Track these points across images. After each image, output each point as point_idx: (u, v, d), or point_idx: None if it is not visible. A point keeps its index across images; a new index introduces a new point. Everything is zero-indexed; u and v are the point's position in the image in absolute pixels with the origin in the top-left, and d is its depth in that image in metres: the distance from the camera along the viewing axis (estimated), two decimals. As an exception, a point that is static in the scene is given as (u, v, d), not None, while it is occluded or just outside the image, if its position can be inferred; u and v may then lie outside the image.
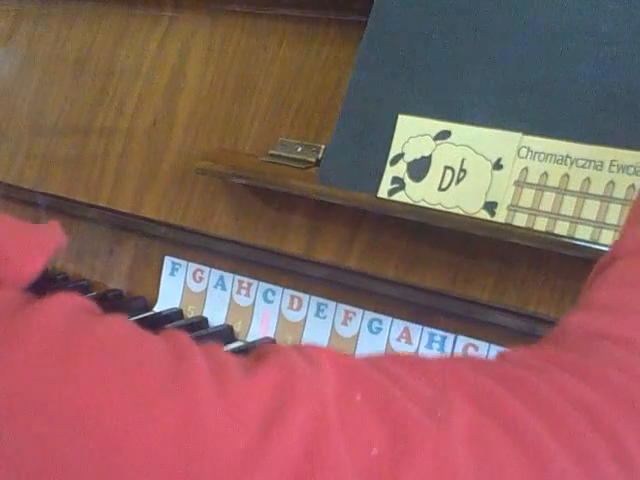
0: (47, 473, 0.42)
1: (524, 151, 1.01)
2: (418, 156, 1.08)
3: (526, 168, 1.01)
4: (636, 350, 0.53)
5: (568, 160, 0.98)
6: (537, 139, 1.00)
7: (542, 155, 1.00)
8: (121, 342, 0.46)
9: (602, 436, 0.49)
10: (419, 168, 1.08)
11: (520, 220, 0.99)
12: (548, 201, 0.98)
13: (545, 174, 0.99)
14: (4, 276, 0.48)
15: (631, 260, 0.62)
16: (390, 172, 1.10)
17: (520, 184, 1.00)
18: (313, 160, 1.23)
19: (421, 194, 1.07)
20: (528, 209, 0.99)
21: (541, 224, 0.98)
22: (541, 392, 0.50)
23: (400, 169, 1.09)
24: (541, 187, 0.99)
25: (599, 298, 0.60)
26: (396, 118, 1.10)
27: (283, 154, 1.26)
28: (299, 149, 1.26)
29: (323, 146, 1.23)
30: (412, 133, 1.09)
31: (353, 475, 0.44)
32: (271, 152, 1.28)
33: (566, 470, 0.48)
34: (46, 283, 0.46)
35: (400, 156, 1.10)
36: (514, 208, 1.00)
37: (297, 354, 0.49)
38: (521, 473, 0.47)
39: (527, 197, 1.00)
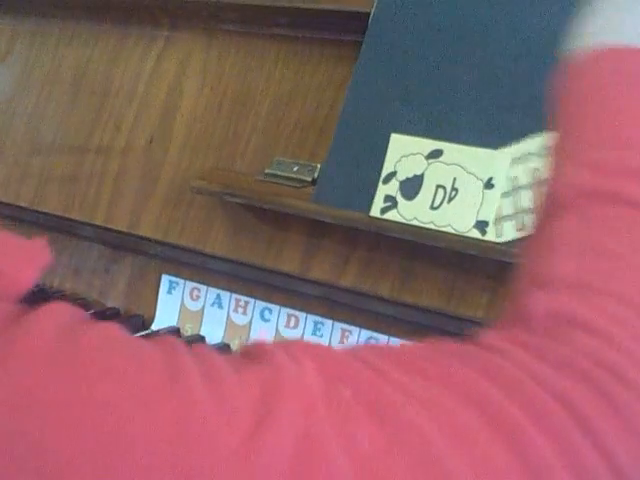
0: (47, 472, 0.42)
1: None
2: (410, 175, 1.08)
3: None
4: (603, 338, 0.51)
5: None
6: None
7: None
8: (114, 347, 0.47)
9: (584, 431, 0.48)
10: (411, 187, 1.08)
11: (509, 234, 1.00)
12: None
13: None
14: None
15: (581, 214, 0.56)
16: (383, 190, 1.10)
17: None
18: (309, 179, 1.23)
19: (413, 213, 1.07)
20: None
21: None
22: (520, 381, 0.49)
23: (393, 188, 1.09)
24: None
25: (558, 273, 0.55)
26: (389, 137, 1.11)
27: (279, 173, 1.27)
28: (295, 168, 1.26)
29: (319, 165, 1.23)
30: (404, 152, 1.09)
31: (346, 470, 0.44)
32: (267, 171, 1.28)
33: (548, 458, 0.47)
34: (43, 301, 0.47)
35: (393, 175, 1.10)
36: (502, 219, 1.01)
37: (283, 352, 0.49)
38: (504, 462, 0.47)
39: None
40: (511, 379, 0.50)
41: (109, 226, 1.47)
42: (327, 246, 1.24)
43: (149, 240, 1.43)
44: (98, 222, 1.47)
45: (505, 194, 0.99)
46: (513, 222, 0.99)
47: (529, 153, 0.99)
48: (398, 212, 1.09)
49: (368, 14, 1.18)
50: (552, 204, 0.58)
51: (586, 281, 0.54)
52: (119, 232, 1.46)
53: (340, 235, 1.23)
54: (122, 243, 1.48)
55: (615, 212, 0.55)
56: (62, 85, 1.59)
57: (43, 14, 1.63)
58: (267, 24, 1.35)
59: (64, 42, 1.61)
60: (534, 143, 0.98)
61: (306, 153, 1.28)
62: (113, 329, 0.48)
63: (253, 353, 0.50)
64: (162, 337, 0.49)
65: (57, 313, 0.48)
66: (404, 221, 1.08)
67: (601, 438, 0.48)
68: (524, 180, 0.98)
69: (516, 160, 0.99)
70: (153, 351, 0.47)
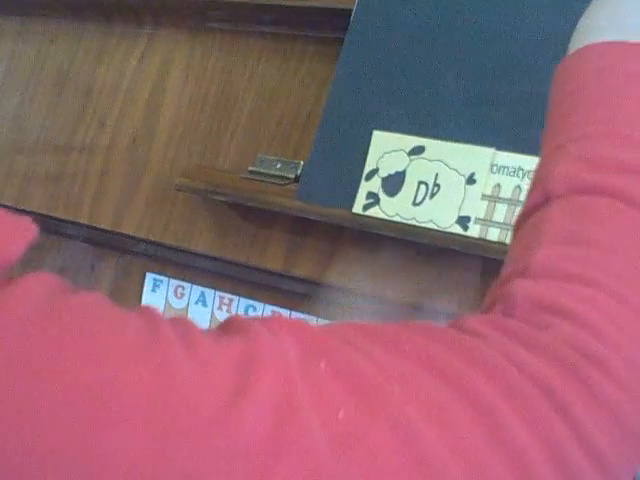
0: (27, 426, 0.43)
1: (497, 167, 1.01)
2: (392, 171, 1.09)
3: (498, 184, 1.01)
4: (583, 325, 0.52)
5: (521, 172, 0.99)
6: (511, 155, 1.01)
7: (515, 170, 1.00)
8: (96, 312, 0.47)
9: (561, 416, 0.49)
10: (393, 183, 1.08)
11: (493, 234, 1.00)
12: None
13: (518, 188, 1.00)
14: None
15: (567, 205, 0.57)
16: (365, 187, 1.10)
17: (493, 199, 1.01)
18: (292, 176, 1.23)
19: (395, 209, 1.08)
20: (501, 224, 1.00)
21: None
22: (499, 365, 0.50)
23: (375, 184, 1.10)
24: (514, 202, 0.99)
25: (540, 260, 0.55)
26: (371, 134, 1.11)
27: (262, 170, 1.27)
28: (278, 165, 1.26)
29: (302, 162, 1.23)
30: (386, 149, 1.09)
31: (322, 437, 0.45)
32: (250, 169, 1.28)
33: (524, 441, 0.48)
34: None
35: (375, 171, 1.10)
36: (487, 223, 1.01)
37: (260, 325, 0.50)
38: (480, 441, 0.47)
39: (500, 212, 1.00)
40: (491, 363, 0.50)
41: (93, 224, 1.47)
42: (310, 243, 1.25)
43: (133, 238, 1.44)
44: (82, 220, 1.47)
45: (508, 201, 0.99)
46: (499, 230, 0.99)
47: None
48: (380, 209, 1.09)
49: (350, 11, 1.18)
50: (541, 194, 0.59)
51: (569, 269, 0.54)
52: (103, 230, 1.46)
53: (323, 232, 1.23)
54: (106, 241, 1.49)
55: (603, 205, 0.56)
56: (46, 84, 1.59)
57: (26, 13, 1.63)
58: (250, 21, 1.35)
59: (47, 40, 1.61)
60: None
61: (289, 150, 1.29)
62: (96, 297, 0.48)
63: (231, 327, 0.50)
64: (143, 307, 0.50)
65: (43, 281, 0.48)
66: (386, 217, 1.09)
67: (578, 423, 0.49)
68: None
69: (526, 172, 0.99)
70: (133, 317, 0.48)
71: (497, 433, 0.48)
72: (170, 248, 1.40)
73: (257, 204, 1.23)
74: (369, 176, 1.10)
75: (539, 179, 0.60)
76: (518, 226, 0.61)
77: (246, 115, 1.35)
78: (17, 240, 0.51)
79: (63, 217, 1.51)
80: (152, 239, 1.40)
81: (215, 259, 1.34)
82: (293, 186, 1.21)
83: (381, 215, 1.09)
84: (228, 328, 0.50)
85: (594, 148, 0.58)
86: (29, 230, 0.53)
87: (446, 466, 0.46)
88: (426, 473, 0.46)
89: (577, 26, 0.66)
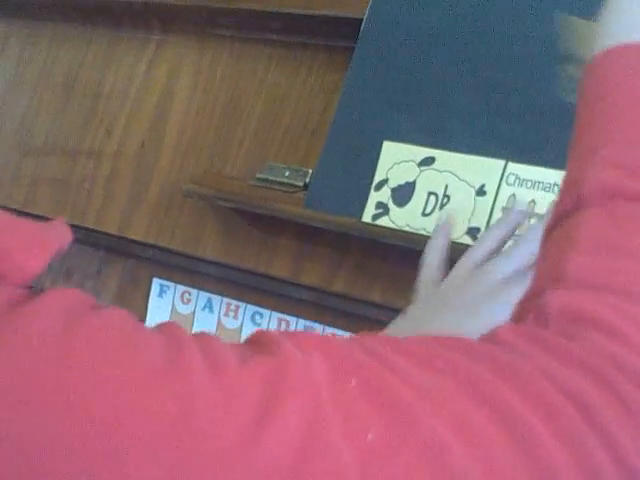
0: (45, 454, 0.42)
1: (512, 178, 1.01)
2: (402, 182, 1.09)
3: (514, 194, 1.01)
4: (619, 338, 0.50)
5: (556, 188, 0.99)
6: (523, 166, 1.00)
7: (529, 182, 1.00)
8: (118, 331, 0.46)
9: (596, 433, 0.48)
10: (403, 194, 1.08)
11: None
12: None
13: (533, 201, 1.00)
14: (5, 272, 0.48)
15: (604, 211, 0.55)
16: (375, 198, 1.10)
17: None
18: (300, 184, 1.23)
19: (405, 219, 1.08)
20: (514, 235, 1.00)
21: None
22: (534, 381, 0.49)
23: (384, 195, 1.10)
24: (529, 214, 0.99)
25: (575, 269, 0.54)
26: (381, 144, 1.11)
27: (270, 178, 1.27)
28: (287, 173, 1.26)
29: (310, 170, 1.23)
30: (396, 159, 1.09)
31: (350, 461, 0.44)
32: (259, 176, 1.28)
33: (558, 460, 0.47)
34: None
35: (384, 182, 1.10)
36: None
37: (289, 342, 0.48)
38: (513, 462, 0.46)
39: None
40: (523, 376, 0.49)
41: (100, 229, 1.47)
42: (318, 251, 1.25)
43: (140, 243, 1.44)
44: (89, 225, 1.47)
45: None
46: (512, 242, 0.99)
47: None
48: (390, 219, 1.09)
49: (361, 20, 1.18)
50: (574, 199, 0.57)
51: (604, 280, 0.53)
52: (110, 235, 1.46)
53: (331, 240, 1.23)
54: (113, 246, 1.49)
55: (633, 210, 0.54)
56: (54, 88, 1.59)
57: (35, 17, 1.63)
58: (260, 29, 1.35)
59: (56, 45, 1.61)
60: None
61: (298, 158, 1.29)
62: (119, 315, 0.48)
63: (259, 341, 0.49)
64: (166, 324, 0.49)
65: (65, 296, 0.47)
66: (396, 227, 1.09)
67: (614, 440, 0.48)
68: (542, 209, 0.98)
69: (538, 185, 0.99)
70: (156, 337, 0.47)
71: (531, 454, 0.47)
72: (177, 254, 1.40)
73: (265, 211, 1.23)
74: (379, 186, 1.10)
75: (571, 183, 0.59)
76: (549, 233, 0.59)
77: (255, 122, 1.35)
78: (38, 254, 0.50)
79: (70, 221, 1.47)
80: (159, 244, 1.40)
81: (222, 265, 1.34)
82: (301, 194, 1.21)
83: (390, 225, 1.09)
84: (256, 344, 0.49)
85: (632, 153, 0.57)
86: (58, 238, 0.53)
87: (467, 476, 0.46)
88: None
89: (600, 25, 0.64)
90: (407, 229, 1.07)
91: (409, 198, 1.08)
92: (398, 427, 0.46)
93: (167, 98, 1.45)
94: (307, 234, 1.24)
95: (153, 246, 1.42)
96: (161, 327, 0.49)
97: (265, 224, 1.29)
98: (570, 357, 0.50)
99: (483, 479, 0.46)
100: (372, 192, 1.11)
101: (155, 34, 1.49)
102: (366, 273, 1.20)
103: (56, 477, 0.42)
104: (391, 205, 1.09)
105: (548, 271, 0.56)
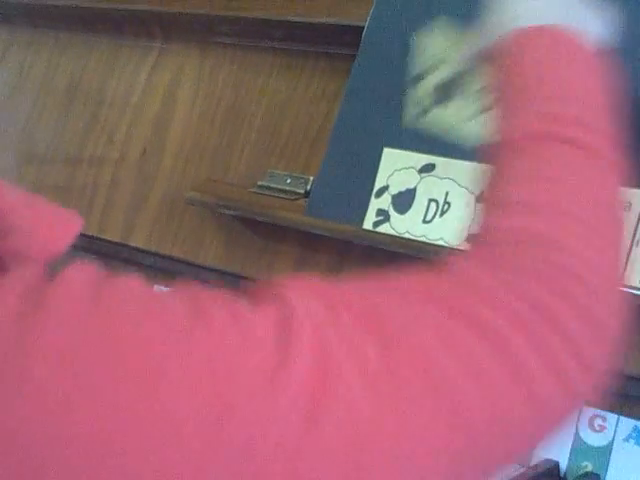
0: (90, 412, 0.44)
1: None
2: (403, 189, 1.09)
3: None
4: (566, 251, 0.61)
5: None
6: None
7: None
8: (140, 294, 0.50)
9: (559, 336, 0.57)
10: (404, 201, 1.09)
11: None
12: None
13: None
14: (31, 251, 0.52)
15: (535, 147, 0.67)
16: (375, 204, 1.10)
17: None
18: (301, 192, 1.23)
19: (406, 226, 1.08)
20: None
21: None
22: (500, 295, 0.57)
23: (385, 202, 1.10)
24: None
25: (514, 197, 0.65)
26: (382, 151, 1.11)
27: (272, 185, 1.27)
28: (288, 180, 1.26)
29: (311, 177, 1.23)
30: (397, 166, 1.10)
31: (356, 380, 0.49)
32: (260, 183, 1.28)
33: (518, 349, 0.55)
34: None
35: (385, 189, 1.10)
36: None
37: (285, 289, 0.53)
38: (487, 358, 0.54)
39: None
40: (491, 292, 0.57)
41: (102, 237, 1.47)
42: (319, 258, 1.25)
43: (142, 251, 1.44)
44: (91, 232, 1.47)
45: None
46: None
47: None
48: (391, 225, 1.09)
49: (362, 28, 1.18)
50: (507, 147, 0.69)
51: (536, 204, 0.64)
52: (112, 243, 1.46)
53: (332, 248, 1.23)
54: (115, 254, 1.49)
55: (559, 150, 0.67)
56: (56, 95, 1.59)
57: (38, 24, 1.64)
58: (261, 37, 1.36)
59: (58, 52, 1.61)
60: None
61: (299, 165, 1.29)
62: (135, 279, 0.51)
63: (257, 294, 0.53)
64: (180, 285, 0.53)
65: (84, 269, 0.50)
66: (397, 234, 1.09)
67: (566, 329, 0.57)
68: None
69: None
70: (176, 295, 0.51)
71: (501, 351, 0.54)
72: (179, 261, 1.40)
73: (266, 219, 1.23)
74: (379, 193, 1.10)
75: (506, 126, 0.70)
76: (489, 174, 0.70)
77: (256, 130, 1.35)
78: (61, 235, 0.54)
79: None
80: (161, 252, 1.40)
81: (224, 272, 1.34)
82: (303, 201, 1.21)
83: (391, 232, 1.09)
84: (255, 296, 0.53)
85: (552, 107, 0.70)
86: (75, 223, 0.57)
87: (460, 386, 0.53)
88: (444, 395, 0.52)
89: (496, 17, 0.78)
90: (408, 236, 1.07)
91: (410, 205, 1.08)
92: (392, 346, 0.52)
93: (169, 105, 1.45)
94: (308, 241, 1.25)
95: (155, 253, 1.42)
96: (176, 286, 0.53)
97: (266, 231, 1.29)
98: (522, 268, 0.59)
99: (464, 380, 0.53)
100: (373, 199, 1.11)
101: (157, 42, 1.49)
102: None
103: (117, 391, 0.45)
104: (392, 212, 1.09)
105: (490, 204, 0.67)
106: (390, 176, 1.10)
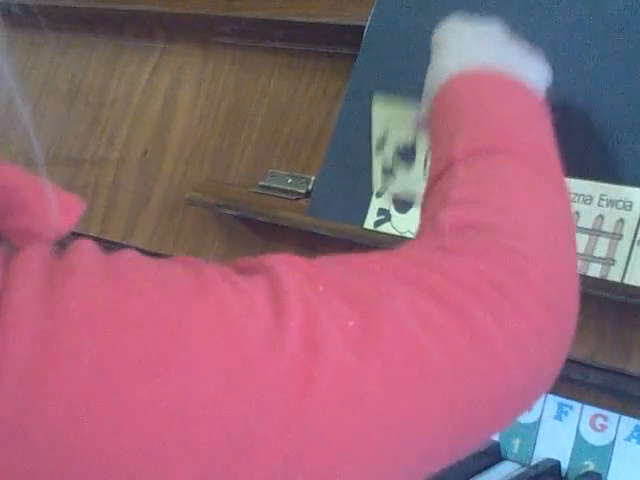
0: (111, 372, 0.48)
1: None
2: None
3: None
4: (510, 234, 0.68)
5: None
6: None
7: None
8: (148, 262, 0.54)
9: (510, 305, 0.63)
10: (404, 200, 1.09)
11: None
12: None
13: None
14: (38, 231, 0.56)
15: (469, 163, 0.74)
16: (376, 204, 1.11)
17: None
18: (303, 191, 1.24)
19: (407, 225, 1.08)
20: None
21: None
22: (457, 273, 0.63)
23: (386, 201, 1.10)
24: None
25: (457, 196, 0.72)
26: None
27: (273, 185, 1.27)
28: (289, 180, 1.26)
29: (313, 177, 1.23)
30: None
31: (342, 343, 0.54)
32: (261, 183, 1.28)
33: (481, 321, 0.61)
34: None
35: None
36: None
37: (269, 262, 0.58)
38: (452, 327, 0.59)
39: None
40: (451, 271, 0.63)
41: (104, 237, 1.47)
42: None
43: (143, 251, 1.43)
44: (93, 233, 1.47)
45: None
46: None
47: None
48: (392, 225, 1.09)
49: (362, 27, 1.18)
50: (444, 165, 0.76)
51: (477, 198, 0.71)
52: (114, 243, 1.46)
53: (334, 247, 1.23)
54: (117, 254, 1.48)
55: (494, 159, 0.74)
56: (57, 96, 1.59)
57: (38, 25, 1.63)
58: (262, 37, 1.36)
59: (59, 53, 1.61)
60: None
61: (300, 165, 1.29)
62: (133, 253, 0.55)
63: (246, 267, 0.58)
64: (179, 257, 0.59)
65: (90, 243, 0.54)
66: (398, 234, 1.09)
67: (522, 307, 0.64)
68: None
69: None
70: (178, 265, 0.55)
71: (466, 323, 0.60)
72: (180, 261, 1.39)
73: (268, 219, 1.23)
74: (380, 193, 1.11)
75: (442, 155, 0.77)
76: (430, 190, 0.77)
77: (257, 130, 1.35)
78: (66, 217, 0.58)
79: (73, 229, 1.50)
80: (162, 252, 1.40)
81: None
82: (304, 201, 1.21)
83: (392, 232, 1.09)
84: (243, 269, 0.58)
85: (482, 133, 0.77)
86: (78, 206, 0.61)
87: (432, 353, 0.57)
88: (420, 361, 0.57)
89: (434, 68, 0.89)
90: (409, 235, 1.07)
91: (410, 204, 1.08)
92: (370, 316, 0.56)
93: (170, 106, 1.45)
94: (309, 241, 1.25)
95: (156, 254, 1.42)
96: (173, 258, 0.58)
97: (268, 231, 1.29)
98: (474, 252, 0.65)
99: (444, 353, 0.58)
100: (374, 198, 1.11)
101: (158, 42, 1.49)
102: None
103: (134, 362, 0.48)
104: (393, 212, 1.09)
105: (437, 202, 0.73)
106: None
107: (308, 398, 0.51)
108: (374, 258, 0.65)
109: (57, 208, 0.58)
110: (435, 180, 0.76)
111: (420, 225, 0.76)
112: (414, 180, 1.09)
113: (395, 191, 1.09)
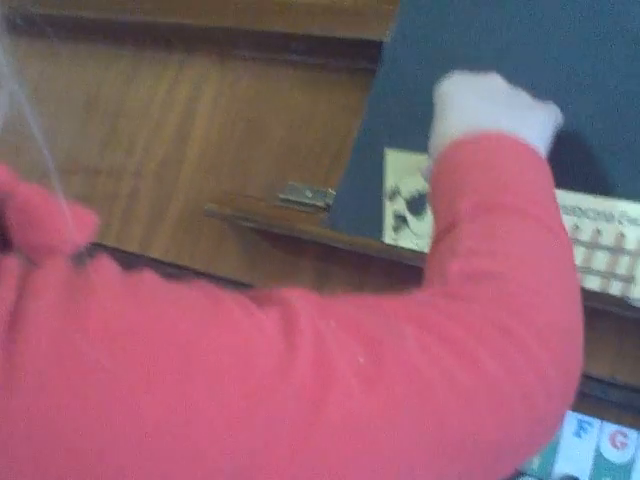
0: (132, 382, 0.49)
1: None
2: (416, 195, 1.10)
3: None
4: (505, 280, 0.70)
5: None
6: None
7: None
8: (164, 284, 0.56)
9: (516, 348, 0.65)
10: (418, 203, 1.10)
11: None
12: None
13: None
14: (55, 245, 0.58)
15: (475, 219, 0.77)
16: (390, 208, 1.11)
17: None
18: (322, 205, 1.24)
19: (424, 228, 1.09)
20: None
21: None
22: (468, 318, 0.65)
23: (400, 205, 1.11)
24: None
25: (463, 248, 0.74)
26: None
27: (292, 198, 1.27)
28: (308, 193, 1.27)
29: (332, 190, 1.23)
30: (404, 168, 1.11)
31: (352, 378, 0.55)
32: (280, 196, 1.29)
33: (487, 365, 0.62)
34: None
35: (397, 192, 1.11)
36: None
37: (284, 294, 0.60)
38: (459, 368, 0.61)
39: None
40: (460, 316, 0.65)
41: (120, 247, 1.47)
42: (340, 271, 1.25)
43: (160, 262, 1.44)
44: (110, 244, 1.48)
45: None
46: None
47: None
48: (410, 230, 1.10)
49: (382, 42, 1.18)
50: (450, 221, 0.78)
51: (483, 250, 0.73)
52: (130, 254, 1.47)
53: (353, 260, 1.23)
54: (133, 265, 1.48)
55: (496, 214, 0.77)
56: (75, 106, 1.59)
57: (57, 36, 1.64)
58: (281, 50, 1.36)
59: (78, 63, 1.62)
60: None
61: (319, 179, 1.29)
62: (153, 275, 0.57)
63: (261, 298, 0.59)
64: (195, 281, 0.59)
65: (110, 261, 0.56)
66: (416, 248, 1.09)
67: (528, 348, 0.65)
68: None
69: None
70: (191, 287, 0.57)
71: (473, 366, 0.61)
72: (196, 272, 1.40)
73: (286, 231, 1.23)
74: (392, 196, 1.12)
75: (447, 212, 0.80)
76: (435, 245, 0.80)
77: (276, 143, 1.35)
78: (82, 231, 0.60)
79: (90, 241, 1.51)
80: (179, 263, 1.41)
81: (243, 285, 1.34)
82: (323, 214, 1.21)
83: (411, 237, 1.09)
84: (258, 299, 0.59)
85: (485, 193, 0.79)
86: (93, 221, 0.63)
87: (438, 392, 0.59)
88: (427, 399, 0.58)
89: (436, 131, 0.91)
90: (428, 240, 1.08)
91: (424, 207, 1.09)
92: (378, 355, 0.58)
93: (188, 118, 1.45)
94: (328, 254, 1.25)
95: (173, 265, 1.43)
96: (192, 282, 0.59)
97: (286, 244, 1.29)
98: (482, 300, 0.68)
99: (449, 393, 0.59)
100: (387, 203, 1.11)
101: (177, 54, 1.49)
102: (387, 292, 1.20)
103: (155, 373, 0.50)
104: (408, 215, 1.10)
105: (446, 253, 0.76)
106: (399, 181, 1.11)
107: (316, 426, 0.53)
108: (385, 300, 0.67)
109: (73, 223, 0.59)
110: (440, 236, 0.80)
111: (426, 279, 0.78)
112: (425, 231, 1.09)
113: (405, 240, 1.11)
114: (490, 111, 0.88)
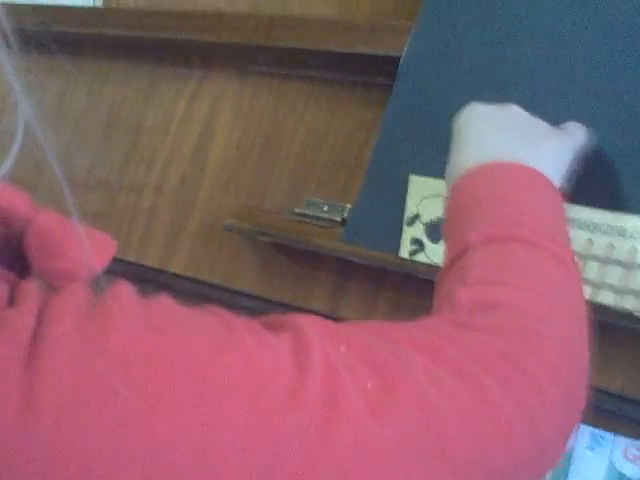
0: (150, 404, 0.50)
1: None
2: (434, 217, 1.10)
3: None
4: (514, 310, 0.71)
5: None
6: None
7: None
8: (181, 310, 0.57)
9: (526, 379, 0.65)
10: (437, 229, 1.09)
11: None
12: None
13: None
14: (74, 271, 0.60)
15: (485, 248, 0.78)
16: (409, 233, 1.11)
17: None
18: (339, 219, 1.24)
19: (441, 255, 1.08)
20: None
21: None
22: (474, 347, 0.66)
23: (418, 230, 1.11)
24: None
25: (472, 277, 0.76)
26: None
27: (309, 213, 1.28)
28: (325, 208, 1.27)
29: (349, 205, 1.24)
30: (425, 194, 1.10)
31: (361, 404, 0.56)
32: (297, 211, 1.29)
33: (495, 395, 0.63)
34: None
35: (416, 217, 1.11)
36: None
37: (295, 321, 0.61)
38: (466, 396, 0.62)
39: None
40: (466, 343, 0.66)
41: (141, 262, 1.48)
42: (356, 286, 1.25)
43: (180, 276, 1.45)
44: (130, 258, 1.49)
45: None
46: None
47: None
48: (426, 255, 1.10)
49: (399, 58, 1.19)
50: (461, 248, 0.80)
51: (493, 280, 0.74)
52: (150, 268, 1.48)
53: (369, 275, 1.23)
54: (153, 279, 1.50)
55: (508, 245, 0.78)
56: (96, 123, 1.61)
57: (77, 53, 1.66)
58: (299, 66, 1.37)
59: (99, 81, 1.63)
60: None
61: (337, 193, 1.30)
62: (168, 299, 0.58)
63: (273, 323, 0.60)
64: (208, 307, 0.59)
65: (128, 286, 0.57)
66: (432, 263, 1.09)
67: (537, 382, 0.66)
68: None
69: (574, 223, 0.99)
70: (205, 312, 0.57)
71: (479, 394, 0.62)
72: (215, 287, 1.41)
73: (303, 246, 1.24)
74: (411, 222, 1.12)
75: (458, 240, 0.82)
76: (447, 271, 0.81)
77: (294, 157, 1.36)
78: (99, 258, 0.62)
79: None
80: (198, 278, 1.42)
81: (260, 299, 1.35)
82: (339, 229, 1.22)
83: (426, 261, 1.10)
84: (271, 324, 0.60)
85: (497, 222, 0.80)
86: (110, 246, 0.64)
87: (447, 423, 0.60)
88: (435, 424, 0.59)
89: (456, 155, 0.92)
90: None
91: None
92: (387, 382, 0.58)
93: (207, 133, 1.46)
94: (345, 268, 1.25)
95: (192, 279, 1.43)
96: (205, 308, 0.59)
97: (303, 258, 1.30)
98: (491, 329, 0.68)
99: (455, 421, 0.60)
100: (405, 227, 1.12)
101: (196, 70, 1.51)
102: (404, 308, 1.20)
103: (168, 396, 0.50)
104: (426, 241, 1.10)
105: (454, 282, 0.77)
106: (419, 205, 1.11)
107: (325, 450, 0.53)
108: (395, 326, 0.68)
109: (90, 249, 0.61)
110: (451, 264, 0.81)
111: (435, 305, 0.79)
112: (441, 258, 1.10)
113: (423, 260, 1.12)
114: (507, 142, 0.89)
